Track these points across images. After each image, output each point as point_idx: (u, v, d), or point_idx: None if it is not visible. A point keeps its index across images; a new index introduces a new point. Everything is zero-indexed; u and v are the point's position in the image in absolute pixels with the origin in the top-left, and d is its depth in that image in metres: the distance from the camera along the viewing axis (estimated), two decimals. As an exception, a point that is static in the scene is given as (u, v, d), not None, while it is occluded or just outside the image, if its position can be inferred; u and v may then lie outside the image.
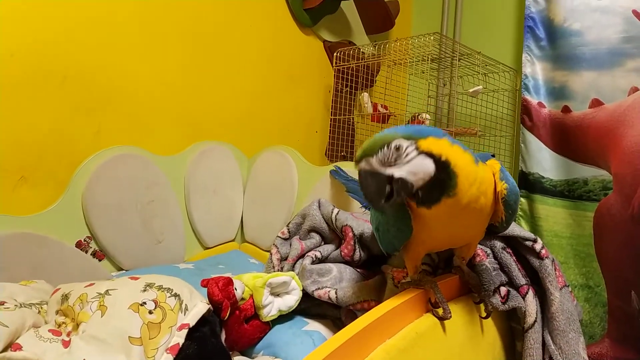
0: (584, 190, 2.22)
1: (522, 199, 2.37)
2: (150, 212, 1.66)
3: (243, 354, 1.07)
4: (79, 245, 1.51)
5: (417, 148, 0.72)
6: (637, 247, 1.98)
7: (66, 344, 0.79)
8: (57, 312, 0.93)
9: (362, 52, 2.30)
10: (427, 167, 0.72)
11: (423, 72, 2.34)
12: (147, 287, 0.91)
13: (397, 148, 0.72)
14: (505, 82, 2.37)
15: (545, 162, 2.31)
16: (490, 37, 2.56)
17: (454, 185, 0.73)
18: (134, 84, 1.68)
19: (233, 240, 1.97)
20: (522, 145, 2.36)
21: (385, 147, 0.72)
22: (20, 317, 0.83)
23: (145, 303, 0.87)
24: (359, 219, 1.19)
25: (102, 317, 0.84)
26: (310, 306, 1.16)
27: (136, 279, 0.96)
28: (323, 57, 2.44)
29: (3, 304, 0.86)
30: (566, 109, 2.25)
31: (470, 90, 2.09)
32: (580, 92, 2.21)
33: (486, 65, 2.26)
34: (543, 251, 1.01)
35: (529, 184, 2.34)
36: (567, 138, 2.24)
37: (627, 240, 2.05)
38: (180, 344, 0.84)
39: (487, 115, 2.31)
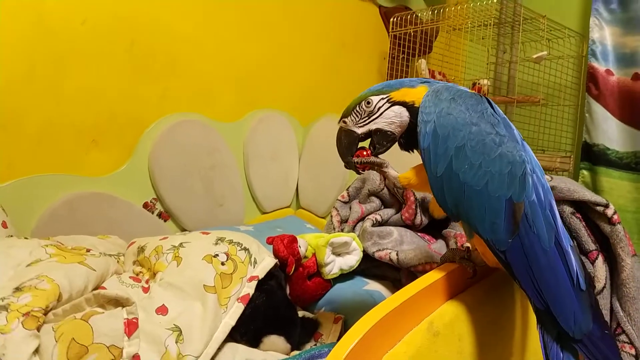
0: (652, 162, 2.11)
1: (584, 172, 2.28)
2: (211, 176, 1.71)
3: (305, 310, 1.10)
4: (145, 206, 1.58)
5: (389, 100, 0.78)
6: None
7: (145, 290, 0.84)
8: (133, 263, 0.99)
9: (419, 17, 2.25)
10: (401, 114, 0.77)
11: (483, 38, 2.27)
12: (219, 241, 0.95)
13: (368, 103, 0.78)
14: (571, 48, 2.26)
15: (611, 132, 2.20)
16: (554, 0, 2.43)
17: None
18: (196, 52, 1.72)
19: (289, 207, 2.01)
20: (586, 115, 2.25)
21: (358, 106, 0.79)
22: (105, 263, 0.89)
23: (217, 255, 0.91)
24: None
25: (177, 266, 0.88)
26: (370, 267, 1.18)
27: (207, 233, 1.00)
28: (378, 23, 2.40)
29: (89, 251, 0.92)
30: (637, 76, 2.13)
31: (534, 56, 2.01)
32: (653, 59, 2.09)
33: (550, 30, 2.16)
34: (615, 216, 0.97)
35: (593, 155, 2.24)
36: (636, 107, 2.12)
37: (698, 216, 1.95)
38: (251, 295, 0.88)
39: (549, 83, 2.22)
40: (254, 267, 0.93)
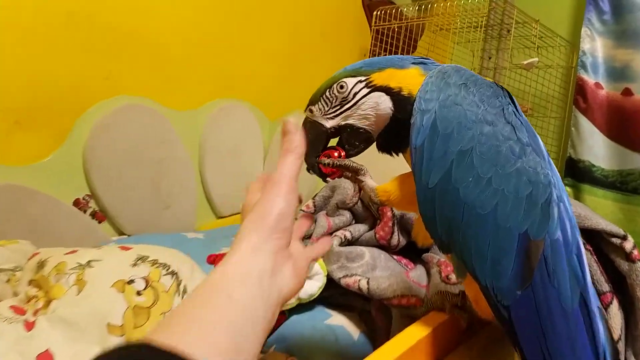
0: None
1: (567, 189, 2.15)
2: (159, 172, 1.49)
3: (251, 347, 0.90)
4: (76, 204, 1.35)
5: (368, 84, 0.59)
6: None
7: (29, 326, 0.62)
8: (29, 282, 0.77)
9: (404, 13, 2.07)
10: (381, 105, 0.59)
11: (470, 41, 2.10)
12: (139, 261, 0.74)
13: (342, 87, 0.59)
14: (561, 57, 2.13)
15: (597, 149, 2.09)
16: (545, 6, 2.28)
17: None
18: (151, 28, 1.48)
19: (249, 211, 1.79)
20: (572, 129, 2.13)
21: (328, 91, 0.59)
22: (-26, 287, 0.66)
23: (133, 281, 0.70)
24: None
25: (78, 294, 0.66)
26: (334, 294, 0.98)
27: (127, 249, 0.79)
28: (360, 16, 2.21)
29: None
30: (627, 92, 2.02)
31: (525, 62, 1.86)
32: (645, 74, 1.97)
33: (541, 37, 2.02)
34: (635, 252, 0.80)
35: (578, 172, 2.12)
36: (625, 124, 2.01)
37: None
38: (174, 336, 0.67)
39: (536, 92, 2.08)
40: (182, 298, 0.72)
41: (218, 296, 0.39)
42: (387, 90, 0.58)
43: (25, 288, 0.75)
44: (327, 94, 0.60)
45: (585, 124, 2.12)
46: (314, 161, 0.61)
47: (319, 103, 0.60)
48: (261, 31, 1.81)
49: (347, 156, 0.61)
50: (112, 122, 1.38)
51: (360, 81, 0.59)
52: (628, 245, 0.81)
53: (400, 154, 0.62)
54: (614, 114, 2.06)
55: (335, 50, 2.14)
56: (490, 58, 2.38)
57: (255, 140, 1.80)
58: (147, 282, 0.70)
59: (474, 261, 0.51)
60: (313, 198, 1.10)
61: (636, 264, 0.80)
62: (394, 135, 0.59)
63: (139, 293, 0.68)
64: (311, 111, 0.61)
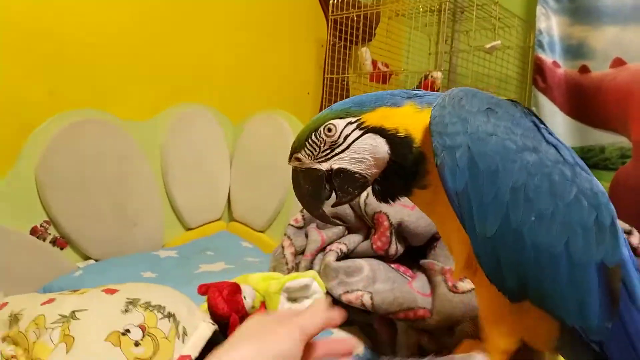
0: (600, 158, 2.05)
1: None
2: (121, 189, 1.39)
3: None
4: (34, 232, 1.24)
5: (360, 125, 0.54)
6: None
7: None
8: (3, 339, 0.67)
9: (362, 1, 2.02)
10: (377, 149, 0.53)
11: (426, 26, 2.07)
12: (130, 306, 0.66)
13: (329, 130, 0.54)
14: (518, 37, 2.13)
15: (558, 127, 2.11)
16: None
17: (424, 172, 0.53)
18: (95, 35, 1.37)
19: (219, 220, 1.71)
20: (533, 108, 2.15)
21: (314, 135, 0.55)
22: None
23: (128, 331, 0.62)
24: (395, 204, 0.94)
25: (67, 352, 0.58)
26: (334, 310, 0.93)
27: (113, 291, 0.70)
28: (315, 6, 2.14)
29: None
30: (584, 69, 2.04)
31: (487, 45, 1.85)
32: (600, 50, 1.99)
33: (499, 18, 2.01)
34: (642, 246, 0.79)
35: (540, 151, 2.15)
36: (583, 101, 2.04)
37: (644, 213, 1.89)
38: (181, 387, 0.60)
39: (495, 74, 2.08)
40: (183, 342, 0.65)
41: None
42: (381, 131, 0.53)
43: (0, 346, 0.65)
44: (314, 137, 0.55)
45: (545, 103, 2.14)
46: (322, 212, 0.57)
47: (305, 149, 0.55)
48: (213, 31, 1.72)
49: (337, 203, 0.56)
50: (64, 140, 1.27)
51: (351, 123, 0.54)
52: (634, 240, 0.79)
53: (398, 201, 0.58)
54: (572, 92, 2.08)
55: (292, 44, 2.07)
56: (446, 41, 2.36)
57: (220, 146, 1.71)
58: (143, 330, 0.62)
59: (555, 305, 0.47)
60: (301, 211, 1.03)
61: (645, 260, 0.78)
62: (395, 180, 0.54)
63: (136, 344, 0.60)
64: (298, 159, 0.55)
